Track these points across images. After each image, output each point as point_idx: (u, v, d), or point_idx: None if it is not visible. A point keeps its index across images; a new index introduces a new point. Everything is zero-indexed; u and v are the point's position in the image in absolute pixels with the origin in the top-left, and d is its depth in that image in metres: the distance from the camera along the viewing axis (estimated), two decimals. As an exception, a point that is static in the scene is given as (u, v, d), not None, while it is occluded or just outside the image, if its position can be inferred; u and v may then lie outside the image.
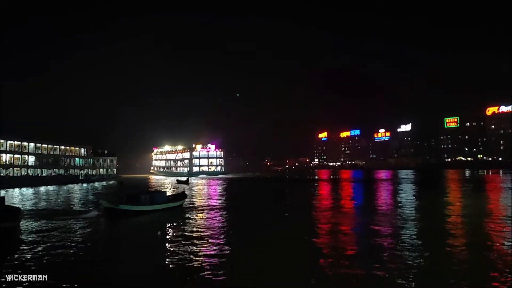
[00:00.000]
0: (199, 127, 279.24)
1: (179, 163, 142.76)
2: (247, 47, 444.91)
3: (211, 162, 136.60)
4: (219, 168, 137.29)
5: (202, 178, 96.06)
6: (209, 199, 36.75)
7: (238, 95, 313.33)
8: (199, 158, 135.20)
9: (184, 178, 76.25)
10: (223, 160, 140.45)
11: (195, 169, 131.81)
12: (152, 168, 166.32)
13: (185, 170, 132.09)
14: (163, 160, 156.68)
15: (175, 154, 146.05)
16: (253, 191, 51.33)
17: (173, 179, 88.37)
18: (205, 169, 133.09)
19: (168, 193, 30.33)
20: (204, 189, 53.55)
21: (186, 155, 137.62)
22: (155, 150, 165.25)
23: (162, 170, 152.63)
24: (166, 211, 25.69)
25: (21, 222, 20.32)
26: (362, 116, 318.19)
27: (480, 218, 20.85)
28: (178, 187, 55.50)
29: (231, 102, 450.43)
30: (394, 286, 10.05)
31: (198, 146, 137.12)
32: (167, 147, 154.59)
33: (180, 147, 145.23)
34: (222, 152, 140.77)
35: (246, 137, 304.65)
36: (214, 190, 50.04)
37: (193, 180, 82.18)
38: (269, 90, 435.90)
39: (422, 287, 10.16)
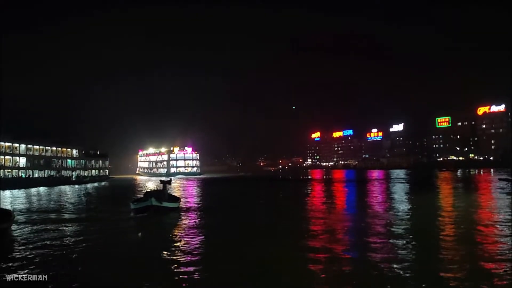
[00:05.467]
0: (188, 127, 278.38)
1: (159, 164, 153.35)
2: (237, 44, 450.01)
3: (188, 164, 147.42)
4: (195, 169, 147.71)
5: (179, 178, 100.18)
6: (190, 198, 38.07)
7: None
8: (176, 160, 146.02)
9: (167, 179, 77.44)
10: (198, 162, 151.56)
11: (173, 170, 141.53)
12: (138, 169, 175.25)
13: (164, 171, 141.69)
14: (146, 161, 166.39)
15: (156, 156, 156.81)
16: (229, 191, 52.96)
17: (156, 179, 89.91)
18: (182, 170, 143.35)
19: None
20: (183, 189, 55.44)
21: (165, 157, 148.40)
22: (140, 152, 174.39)
23: (146, 171, 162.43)
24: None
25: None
26: (355, 116, 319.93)
27: (471, 218, 21.06)
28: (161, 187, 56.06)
29: (224, 104, 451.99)
30: (389, 286, 10.09)
31: (176, 149, 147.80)
32: (151, 149, 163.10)
33: (163, 149, 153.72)
34: (198, 155, 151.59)
35: (239, 138, 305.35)
36: (191, 191, 52.60)
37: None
38: (262, 90, 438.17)
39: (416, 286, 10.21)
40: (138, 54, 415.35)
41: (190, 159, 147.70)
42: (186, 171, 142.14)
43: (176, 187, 56.94)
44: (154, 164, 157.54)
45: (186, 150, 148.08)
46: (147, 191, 30.11)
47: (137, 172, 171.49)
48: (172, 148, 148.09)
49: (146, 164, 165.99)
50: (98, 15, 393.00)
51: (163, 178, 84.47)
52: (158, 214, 23.42)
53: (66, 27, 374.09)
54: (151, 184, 72.76)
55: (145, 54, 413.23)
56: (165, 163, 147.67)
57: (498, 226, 17.78)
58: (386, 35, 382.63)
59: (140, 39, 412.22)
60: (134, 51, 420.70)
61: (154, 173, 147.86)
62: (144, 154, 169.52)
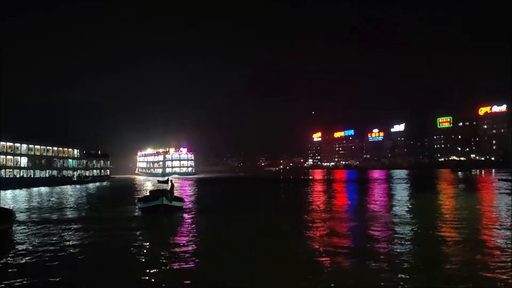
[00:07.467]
0: (188, 128, 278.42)
1: (156, 164, 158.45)
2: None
3: (183, 164, 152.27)
4: (190, 169, 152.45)
5: (175, 178, 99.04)
6: (189, 198, 37.82)
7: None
8: (172, 160, 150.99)
9: (165, 178, 78.25)
10: (193, 162, 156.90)
11: (168, 170, 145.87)
12: (137, 169, 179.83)
13: (160, 171, 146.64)
14: (145, 162, 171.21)
15: (153, 156, 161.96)
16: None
17: (153, 179, 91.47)
18: (177, 170, 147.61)
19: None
20: (180, 189, 55.65)
21: (161, 157, 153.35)
22: (139, 153, 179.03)
23: (144, 171, 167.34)
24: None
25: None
26: (356, 116, 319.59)
27: (472, 218, 21.04)
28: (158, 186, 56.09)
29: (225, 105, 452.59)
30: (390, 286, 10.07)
31: (172, 150, 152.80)
32: (149, 150, 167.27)
33: (160, 150, 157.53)
34: (193, 155, 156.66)
35: (240, 138, 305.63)
36: (188, 190, 53.21)
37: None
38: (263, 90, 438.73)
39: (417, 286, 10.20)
40: (137, 54, 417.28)
41: (185, 160, 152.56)
42: (181, 171, 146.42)
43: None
44: (151, 164, 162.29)
45: (181, 151, 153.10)
46: (152, 190, 29.85)
47: (136, 172, 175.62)
48: (167, 149, 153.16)
49: (144, 164, 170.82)
50: (98, 6, 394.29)
51: (160, 178, 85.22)
52: (166, 213, 23.40)
53: (66, 19, 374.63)
54: (149, 183, 73.26)
55: (145, 54, 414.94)
56: (161, 163, 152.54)
57: (498, 226, 17.76)
58: (386, 35, 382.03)
59: (139, 36, 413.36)
60: (134, 50, 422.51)
61: (151, 173, 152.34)
62: (142, 154, 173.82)
